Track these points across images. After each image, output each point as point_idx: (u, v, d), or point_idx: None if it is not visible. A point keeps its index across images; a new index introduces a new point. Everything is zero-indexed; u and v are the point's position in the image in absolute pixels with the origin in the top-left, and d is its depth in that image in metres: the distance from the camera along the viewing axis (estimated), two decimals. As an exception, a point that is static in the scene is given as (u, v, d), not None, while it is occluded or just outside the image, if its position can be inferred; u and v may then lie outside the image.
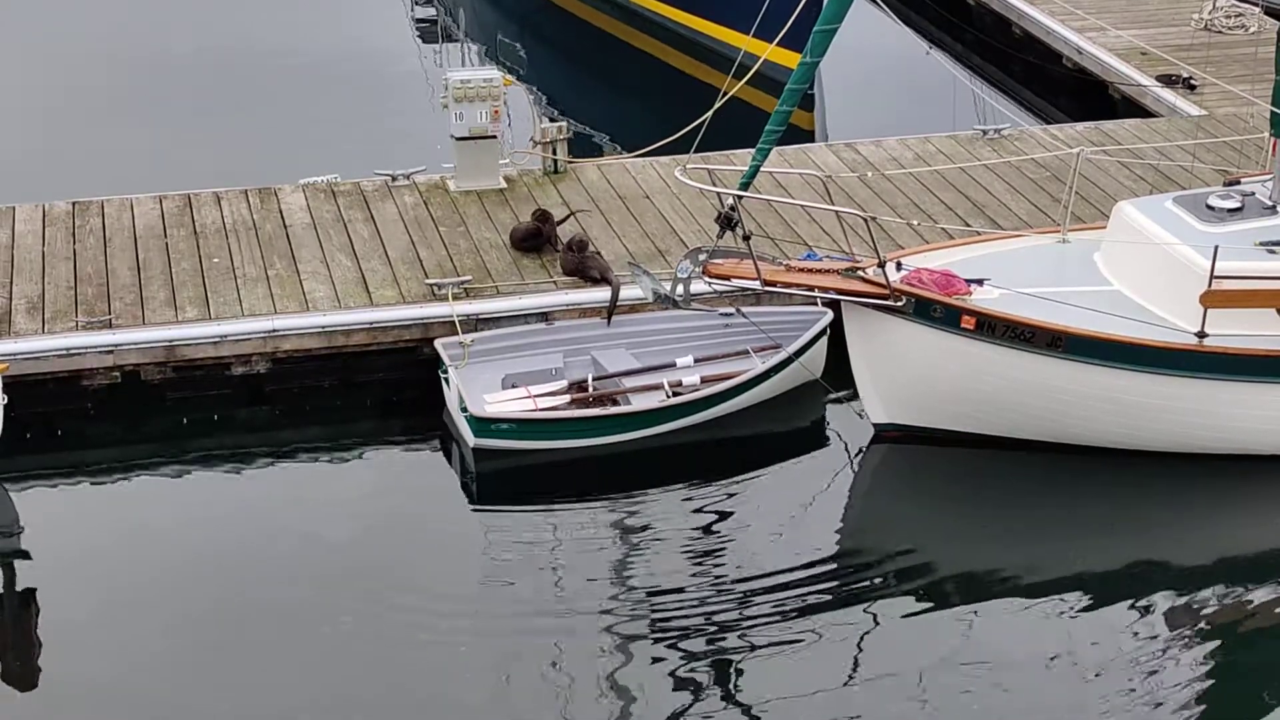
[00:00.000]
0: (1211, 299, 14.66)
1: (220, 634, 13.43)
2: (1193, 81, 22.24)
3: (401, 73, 25.92)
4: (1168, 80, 22.56)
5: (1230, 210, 15.60)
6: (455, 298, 16.66)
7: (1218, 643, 13.60)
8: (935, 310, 14.92)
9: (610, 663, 13.15)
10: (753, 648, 13.34)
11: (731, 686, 12.97)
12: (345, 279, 17.15)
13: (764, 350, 16.43)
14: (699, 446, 15.94)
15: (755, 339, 16.50)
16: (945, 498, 15.64)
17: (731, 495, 15.55)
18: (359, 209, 18.67)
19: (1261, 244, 15.21)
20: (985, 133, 20.91)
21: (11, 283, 16.95)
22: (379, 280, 17.13)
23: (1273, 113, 16.08)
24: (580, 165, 19.92)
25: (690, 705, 12.74)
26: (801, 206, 17.85)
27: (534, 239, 17.66)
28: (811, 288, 15.04)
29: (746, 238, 14.84)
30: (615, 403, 16.04)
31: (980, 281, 15.22)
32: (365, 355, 16.59)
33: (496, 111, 18.93)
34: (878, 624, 13.62)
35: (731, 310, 16.49)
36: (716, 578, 14.22)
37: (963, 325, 14.91)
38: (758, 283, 14.87)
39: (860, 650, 13.31)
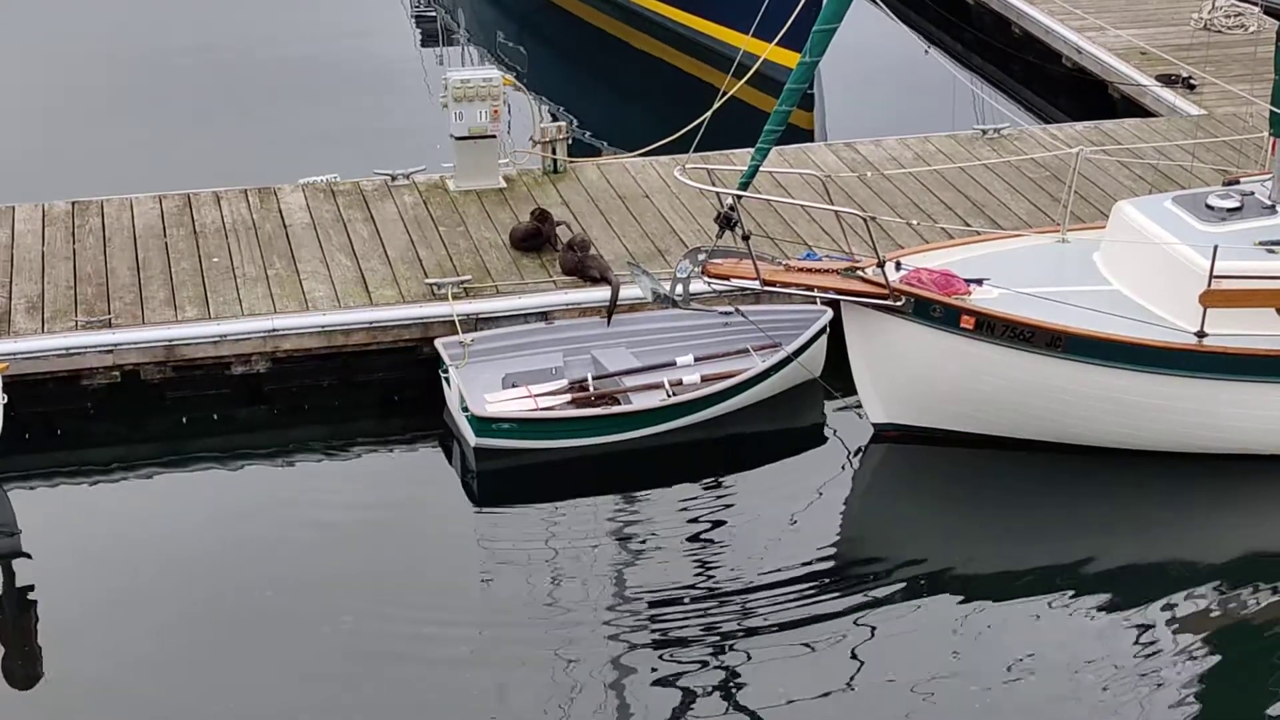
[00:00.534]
0: (1211, 299, 14.66)
1: (220, 633, 13.44)
2: (1192, 81, 22.25)
3: (401, 72, 25.93)
4: (1167, 80, 22.56)
5: (1230, 210, 15.60)
6: (455, 297, 16.67)
7: (1218, 642, 13.60)
8: (935, 310, 14.92)
9: (611, 661, 13.15)
10: (752, 646, 13.35)
11: (730, 684, 12.97)
12: (345, 279, 17.15)
13: (763, 349, 16.43)
14: (699, 446, 15.94)
15: (755, 338, 16.50)
16: (944, 497, 15.64)
17: (731, 495, 15.56)
18: (359, 209, 18.68)
19: (1261, 243, 15.21)
20: (985, 132, 20.91)
21: (11, 282, 16.95)
22: (379, 280, 17.13)
23: (1272, 112, 16.08)
24: (580, 165, 19.93)
25: (689, 704, 12.75)
26: (801, 206, 17.84)
27: (534, 239, 17.67)
28: (811, 287, 15.04)
29: (746, 237, 14.84)
30: (615, 402, 16.04)
31: (980, 281, 15.23)
32: (365, 355, 16.59)
33: (496, 111, 18.93)
34: (877, 623, 13.62)
35: (731, 310, 16.49)
36: (716, 577, 14.22)
37: (962, 325, 14.91)
38: (757, 282, 14.87)
39: (859, 649, 13.31)
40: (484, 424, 15.48)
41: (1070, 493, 15.33)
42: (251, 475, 15.74)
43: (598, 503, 15.29)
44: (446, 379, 16.07)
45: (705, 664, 13.17)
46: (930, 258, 15.84)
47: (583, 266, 17.07)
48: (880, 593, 14.00)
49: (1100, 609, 13.89)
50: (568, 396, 16.12)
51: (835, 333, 16.04)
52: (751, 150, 15.34)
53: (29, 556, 14.52)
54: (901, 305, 14.90)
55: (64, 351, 15.96)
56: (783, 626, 13.55)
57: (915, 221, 17.79)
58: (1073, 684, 12.97)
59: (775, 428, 16.39)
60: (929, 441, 15.80)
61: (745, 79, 17.21)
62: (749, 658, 13.24)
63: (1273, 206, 15.73)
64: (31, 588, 14.14)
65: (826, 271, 15.08)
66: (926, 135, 20.94)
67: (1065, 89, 24.56)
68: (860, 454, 16.03)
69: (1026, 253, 16.22)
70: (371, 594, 13.85)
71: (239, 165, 21.32)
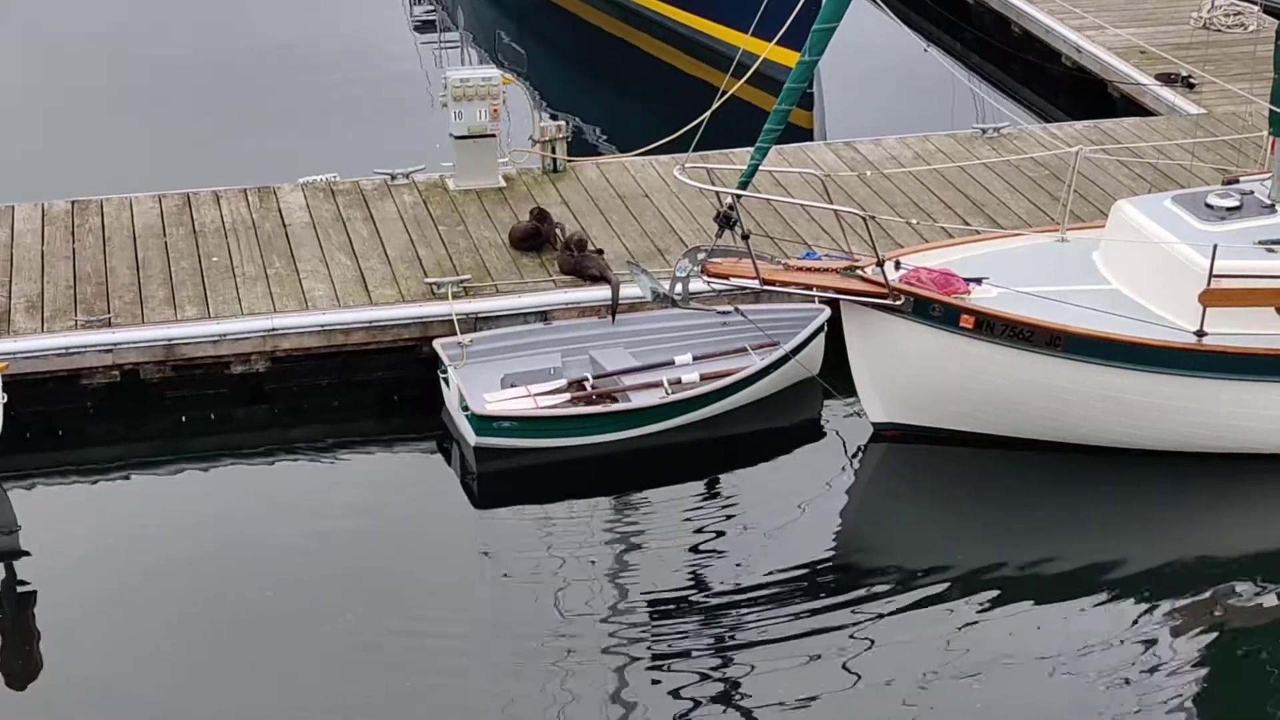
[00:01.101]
0: (1210, 298, 14.66)
1: (220, 633, 13.44)
2: (1192, 80, 22.24)
3: (400, 72, 25.92)
4: (1167, 79, 22.56)
5: (1229, 209, 15.60)
6: (454, 296, 16.67)
7: (1218, 642, 13.60)
8: (934, 309, 14.92)
9: (611, 660, 13.15)
10: (750, 644, 13.34)
11: (728, 683, 12.97)
12: (344, 278, 17.15)
13: (762, 348, 16.44)
14: (698, 445, 15.95)
15: (753, 337, 16.50)
16: (943, 497, 15.64)
17: (730, 493, 15.57)
18: (358, 208, 18.68)
19: (1260, 243, 15.21)
20: (984, 131, 20.92)
21: (11, 281, 16.95)
22: (378, 279, 17.13)
23: (1272, 111, 16.07)
24: (579, 164, 19.92)
25: (688, 703, 12.75)
26: (800, 205, 17.83)
27: (533, 238, 17.67)
28: (810, 287, 15.03)
29: (745, 237, 14.84)
30: (615, 401, 16.05)
31: (979, 280, 15.22)
32: (364, 354, 16.60)
33: (495, 110, 18.93)
34: (876, 622, 13.61)
35: (730, 309, 16.49)
36: (715, 575, 14.23)
37: (961, 324, 14.91)
38: (756, 282, 14.87)
39: (858, 648, 13.30)
40: (484, 422, 15.48)
41: (1070, 492, 15.33)
42: (251, 474, 15.75)
43: (597, 502, 15.30)
44: (445, 379, 16.08)
45: (704, 662, 13.17)
46: (930, 257, 15.84)
47: (581, 266, 17.07)
48: (879, 592, 13.99)
49: (1100, 608, 13.89)
50: (567, 396, 16.13)
51: (834, 331, 16.03)
52: (751, 149, 15.34)
53: (29, 555, 14.53)
54: (901, 304, 14.89)
55: (63, 351, 15.97)
56: (781, 625, 13.54)
57: (915, 221, 17.79)
58: (1072, 682, 12.97)
59: (774, 426, 16.39)
60: (928, 441, 15.80)
61: (745, 78, 17.20)
62: (747, 656, 13.24)
63: (1272, 206, 15.73)
64: (31, 587, 14.14)
65: (826, 271, 15.08)
66: (926, 134, 20.94)
67: (1065, 88, 24.55)
68: (859, 453, 16.03)
69: (1026, 252, 16.22)
70: (372, 593, 13.86)
71: (238, 165, 21.31)
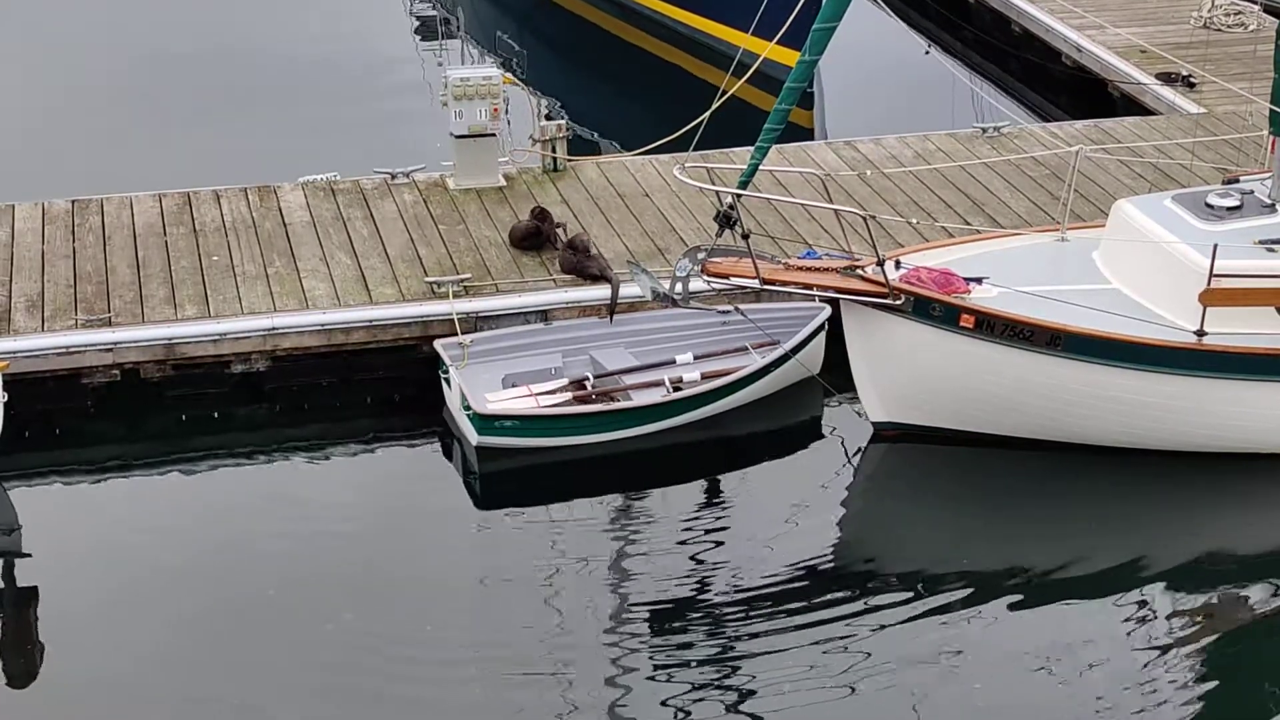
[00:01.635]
0: (1210, 297, 14.66)
1: (220, 632, 13.44)
2: (1192, 79, 22.25)
3: (401, 71, 25.92)
4: (1167, 78, 22.56)
5: (1229, 208, 15.60)
6: (455, 296, 16.67)
7: (1218, 641, 13.61)
8: (934, 309, 14.93)
9: (612, 659, 13.15)
10: (750, 644, 13.35)
11: (728, 682, 12.97)
12: (345, 277, 17.16)
13: (762, 347, 16.44)
14: (699, 444, 15.95)
15: (754, 336, 16.50)
16: (943, 496, 15.65)
17: (730, 492, 15.57)
18: (358, 207, 18.68)
19: (1260, 242, 15.21)
20: (985, 130, 20.92)
21: (11, 281, 16.96)
22: (378, 278, 17.13)
23: (1272, 111, 16.07)
24: (579, 163, 19.93)
25: (688, 702, 12.75)
26: (801, 205, 17.83)
27: (533, 237, 17.67)
28: (810, 286, 15.04)
29: (745, 236, 14.85)
30: (616, 400, 16.05)
31: (979, 280, 15.23)
32: (365, 353, 16.60)
33: (496, 109, 18.93)
34: (876, 621, 13.61)
35: (730, 308, 16.49)
36: (715, 575, 14.23)
37: (962, 324, 14.91)
38: (756, 281, 14.87)
39: (858, 647, 13.31)
40: (486, 422, 15.49)
41: (1070, 492, 15.33)
42: (251, 474, 15.75)
43: (598, 501, 15.30)
44: (447, 379, 16.08)
45: (704, 661, 13.18)
46: (930, 256, 15.84)
47: (582, 265, 17.08)
48: (880, 591, 14.00)
49: (1099, 607, 13.90)
50: (568, 395, 16.13)
51: (834, 330, 16.03)
52: (751, 149, 15.34)
53: (29, 555, 14.53)
54: (901, 304, 14.90)
55: (64, 350, 15.97)
56: (781, 623, 13.55)
57: (915, 220, 17.80)
58: (1072, 682, 12.97)
59: (774, 426, 16.39)
60: (928, 440, 15.80)
61: (745, 78, 17.22)
62: (748, 654, 13.24)
63: (1272, 205, 15.73)
64: (31, 586, 14.15)
65: (826, 270, 15.09)
66: (926, 133, 20.95)
67: (1065, 87, 24.56)
68: (859, 452, 16.03)
69: (1026, 251, 16.22)
70: (373, 593, 13.86)
71: (239, 164, 21.31)
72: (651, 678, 13.00)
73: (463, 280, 16.95)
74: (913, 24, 24.93)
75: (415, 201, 18.84)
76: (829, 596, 13.93)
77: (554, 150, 19.59)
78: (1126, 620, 13.73)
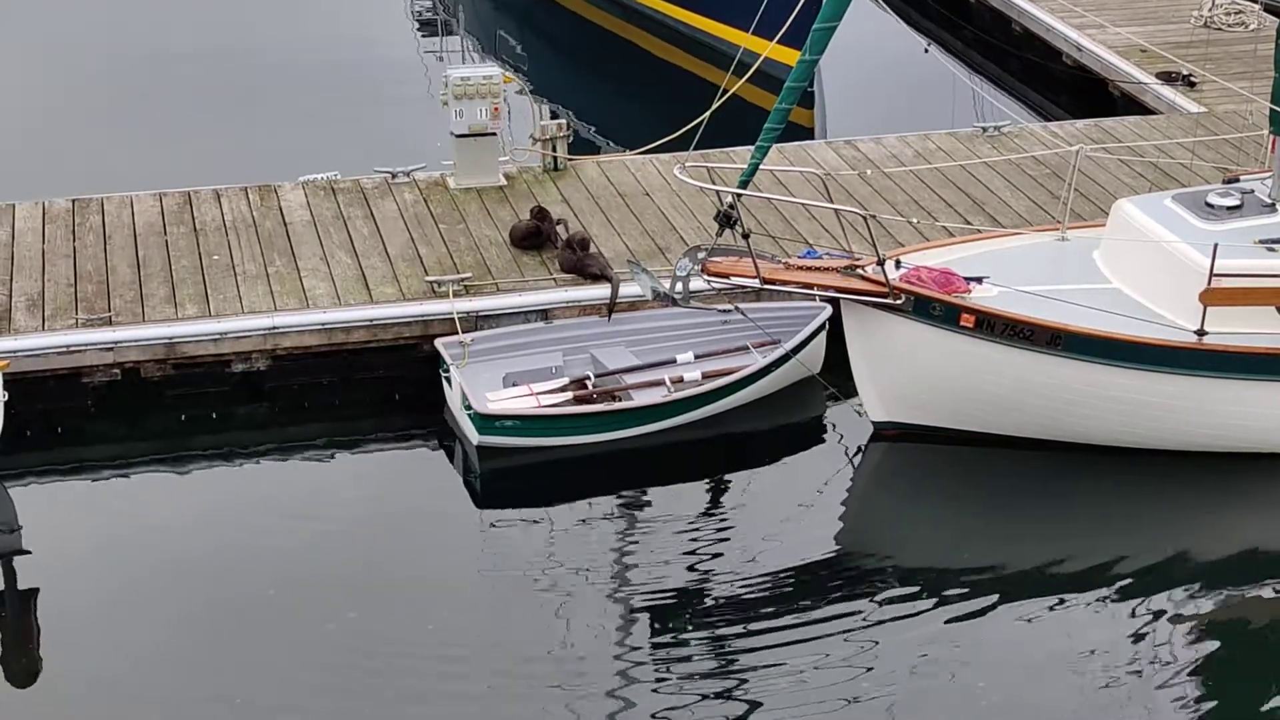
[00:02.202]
0: (1211, 297, 14.66)
1: (221, 631, 13.44)
2: (1192, 79, 22.24)
3: (401, 70, 25.92)
4: (1167, 77, 22.56)
5: (1230, 208, 15.60)
6: (455, 295, 16.67)
7: (1219, 641, 13.60)
8: (934, 308, 14.93)
9: (612, 659, 13.16)
10: (751, 643, 13.34)
11: (728, 682, 12.96)
12: (345, 276, 17.16)
13: (763, 346, 16.44)
14: (699, 444, 15.95)
15: (754, 336, 16.50)
16: (943, 496, 15.65)
17: (731, 493, 15.57)
18: (359, 206, 18.69)
19: (1261, 242, 15.21)
20: (985, 130, 20.92)
21: (12, 280, 16.96)
22: (379, 278, 17.13)
23: (1272, 110, 16.07)
24: (580, 163, 19.93)
25: (688, 702, 12.74)
26: (801, 204, 17.83)
27: (534, 236, 17.68)
28: (811, 286, 15.04)
29: (746, 235, 14.85)
30: (617, 399, 16.05)
31: (979, 279, 15.23)
32: (365, 352, 16.60)
33: (496, 109, 18.93)
34: (877, 621, 13.61)
35: (730, 308, 16.49)
36: (716, 575, 14.23)
37: (962, 323, 14.91)
38: (757, 281, 14.87)
39: (859, 647, 13.31)
40: (487, 421, 15.49)
41: (1070, 491, 15.33)
42: (252, 473, 15.75)
43: (599, 500, 15.29)
44: (447, 378, 16.08)
45: (704, 661, 13.18)
46: (930, 256, 15.84)
47: (582, 264, 17.08)
48: (880, 590, 14.00)
49: (1100, 607, 13.89)
50: (569, 394, 16.13)
51: (835, 330, 16.03)
52: (752, 148, 15.34)
53: (29, 554, 14.52)
54: (901, 303, 14.90)
55: (64, 349, 15.97)
56: (781, 623, 13.55)
57: (915, 219, 17.80)
58: (1073, 682, 12.97)
59: (775, 425, 16.39)
60: (928, 440, 15.80)
61: (746, 77, 17.22)
62: (748, 654, 13.24)
63: (1273, 205, 15.73)
64: (32, 585, 14.14)
65: (826, 269, 15.09)
66: (927, 133, 20.94)
67: (1065, 87, 24.56)
68: (860, 452, 16.03)
69: (1026, 251, 16.22)
70: (373, 592, 13.86)
71: (239, 163, 21.32)
72: (652, 677, 13.00)
73: (463, 279, 16.95)
74: (913, 23, 24.90)
75: (416, 201, 18.84)
76: (830, 596, 13.93)
77: (554, 149, 19.59)
78: (1128, 620, 13.73)
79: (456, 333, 16.28)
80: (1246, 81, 20.22)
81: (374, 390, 16.69)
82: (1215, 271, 14.54)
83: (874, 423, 15.84)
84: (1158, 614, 13.82)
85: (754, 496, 15.44)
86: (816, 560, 14.46)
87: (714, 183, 15.75)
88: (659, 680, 12.97)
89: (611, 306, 16.68)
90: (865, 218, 15.00)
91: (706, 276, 15.12)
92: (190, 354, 16.26)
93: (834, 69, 23.23)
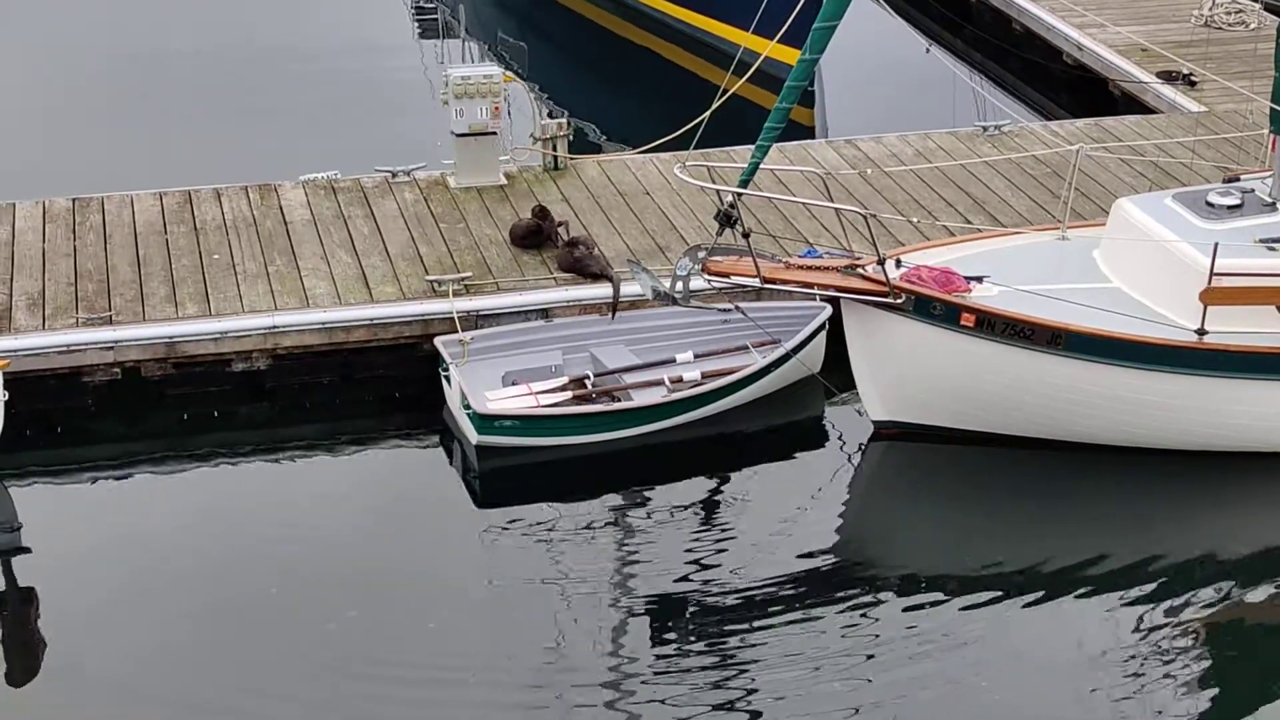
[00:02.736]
0: (1211, 296, 14.66)
1: (221, 631, 13.44)
2: (1193, 78, 22.24)
3: (402, 69, 25.93)
4: (1168, 77, 22.56)
5: (1230, 207, 15.60)
6: (455, 294, 16.67)
7: (1220, 641, 13.61)
8: (935, 308, 14.92)
9: (612, 659, 13.16)
10: (751, 643, 13.34)
11: (728, 681, 12.96)
12: (345, 275, 17.16)
13: (763, 346, 16.44)
14: (699, 443, 15.95)
15: (754, 335, 16.50)
16: (944, 495, 15.64)
17: (731, 492, 15.57)
18: (359, 205, 18.69)
19: (1261, 241, 15.21)
20: (985, 129, 20.92)
21: (12, 279, 16.96)
22: (379, 277, 17.13)
23: (1273, 109, 16.06)
24: (580, 162, 19.93)
25: (688, 702, 12.74)
26: (801, 203, 17.83)
27: (534, 236, 17.68)
28: (811, 285, 15.03)
29: (746, 235, 14.85)
30: (616, 399, 16.05)
31: (980, 279, 15.23)
32: (365, 352, 16.60)
33: (497, 108, 18.94)
34: (877, 621, 13.62)
35: (730, 307, 16.48)
36: (716, 574, 14.22)
37: (962, 323, 14.91)
38: (757, 280, 14.87)
39: (859, 647, 13.31)
40: (486, 421, 15.48)
41: (1071, 490, 15.33)
42: (252, 472, 15.75)
43: (598, 500, 15.29)
44: (447, 377, 16.08)
45: (704, 661, 13.18)
46: (931, 255, 15.84)
47: (582, 264, 17.08)
48: (880, 590, 14.00)
49: (1101, 607, 13.89)
50: (568, 394, 16.13)
51: (835, 329, 16.03)
52: (752, 147, 15.34)
53: (30, 554, 14.52)
54: (902, 303, 14.90)
55: (65, 348, 15.97)
56: (781, 622, 13.55)
57: (916, 219, 17.80)
58: (1074, 682, 12.98)
59: (775, 424, 16.39)
60: (929, 439, 15.80)
61: (746, 76, 17.22)
62: (748, 654, 13.24)
63: (1273, 204, 15.73)
64: (32, 584, 14.14)
65: (827, 269, 15.09)
66: (927, 132, 20.94)
67: (1066, 86, 24.56)
68: (860, 451, 16.03)
69: (1027, 250, 16.22)
70: (373, 591, 13.86)
71: (239, 162, 21.31)
72: (652, 677, 13.00)
73: (463, 279, 16.95)
74: (913, 22, 24.98)
75: (416, 200, 18.85)
76: (830, 595, 13.93)
77: (555, 149, 19.59)
78: (1129, 619, 13.72)
79: (456, 332, 16.28)
80: (1247, 81, 20.22)
81: (374, 389, 16.69)
82: (1216, 271, 14.54)
83: (874, 422, 15.84)
84: (1158, 613, 13.81)
85: (754, 496, 15.44)
86: (816, 560, 14.46)
87: (714, 182, 15.74)
88: (660, 679, 12.97)
89: (614, 307, 16.68)
90: (865, 217, 15.00)
91: (707, 276, 15.12)
92: (190, 353, 16.26)
93: (834, 68, 23.24)
